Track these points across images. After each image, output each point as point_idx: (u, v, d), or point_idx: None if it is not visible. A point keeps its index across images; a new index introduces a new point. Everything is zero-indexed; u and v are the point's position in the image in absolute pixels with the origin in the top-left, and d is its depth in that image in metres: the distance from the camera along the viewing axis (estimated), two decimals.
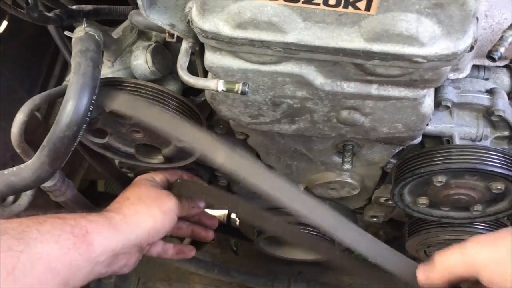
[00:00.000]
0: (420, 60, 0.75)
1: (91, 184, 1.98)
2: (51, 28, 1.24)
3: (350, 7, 0.71)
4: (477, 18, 0.79)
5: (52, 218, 0.87)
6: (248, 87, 0.82)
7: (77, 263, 0.85)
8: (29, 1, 1.01)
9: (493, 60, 0.71)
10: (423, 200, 1.15)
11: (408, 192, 1.14)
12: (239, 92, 0.82)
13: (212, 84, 0.82)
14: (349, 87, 0.85)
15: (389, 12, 0.70)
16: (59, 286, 0.82)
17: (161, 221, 1.02)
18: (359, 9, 0.71)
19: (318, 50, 0.76)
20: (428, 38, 0.72)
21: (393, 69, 0.79)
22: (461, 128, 1.10)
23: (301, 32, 0.75)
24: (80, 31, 0.96)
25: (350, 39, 0.75)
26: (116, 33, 1.10)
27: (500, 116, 1.05)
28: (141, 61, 1.01)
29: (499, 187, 1.05)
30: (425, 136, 1.11)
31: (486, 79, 1.13)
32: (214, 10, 0.74)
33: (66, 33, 0.99)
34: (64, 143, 0.90)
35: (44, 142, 0.91)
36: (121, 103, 0.95)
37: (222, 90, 0.82)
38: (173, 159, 1.14)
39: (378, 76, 0.82)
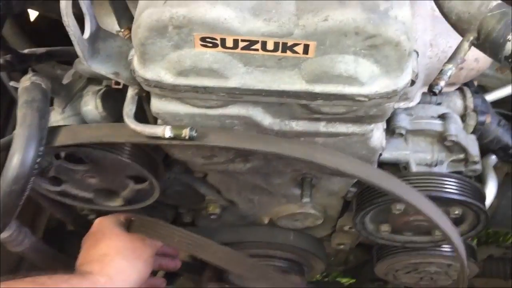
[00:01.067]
0: (362, 99, 0.75)
1: (60, 223, 1.94)
2: (3, 75, 1.23)
3: (288, 51, 0.71)
4: (417, 53, 0.80)
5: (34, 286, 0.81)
6: (195, 132, 0.82)
7: None
8: None
9: (435, 94, 0.72)
10: (385, 227, 1.15)
11: (370, 220, 1.15)
12: (187, 137, 0.81)
13: (159, 131, 0.82)
14: (298, 125, 0.86)
15: (326, 55, 0.71)
16: None
17: (144, 271, 0.99)
18: (297, 52, 0.71)
19: (261, 93, 0.76)
20: (368, 77, 0.73)
21: (337, 108, 0.79)
22: (417, 154, 1.11)
23: (243, 76, 0.75)
24: (26, 81, 0.95)
25: (292, 82, 0.75)
26: (67, 77, 1.09)
27: (453, 140, 1.07)
28: (91, 106, 1.00)
29: (456, 212, 1.06)
30: (383, 163, 1.12)
31: (439, 104, 1.15)
32: (155, 59, 0.74)
33: (11, 83, 0.97)
34: (12, 198, 0.88)
35: None
36: (63, 135, 0.92)
37: (170, 136, 0.82)
38: (132, 201, 1.13)
39: (324, 114, 0.82)
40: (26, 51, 1.17)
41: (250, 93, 0.76)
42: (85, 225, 1.28)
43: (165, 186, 1.19)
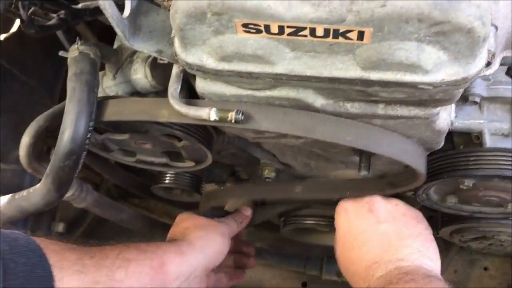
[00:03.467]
0: (425, 87, 0.66)
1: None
2: (59, 34, 1.21)
3: (340, 37, 0.63)
4: (496, 27, 0.69)
5: (136, 253, 0.88)
6: (242, 115, 0.77)
7: None
8: (23, 19, 0.98)
9: None
10: (451, 198, 1.07)
11: (435, 191, 1.07)
12: (233, 121, 0.77)
13: (204, 114, 0.78)
14: (353, 107, 0.78)
15: (385, 41, 0.62)
16: None
17: (221, 242, 1.04)
18: (350, 39, 0.63)
19: (311, 80, 0.69)
20: (433, 65, 0.64)
21: (397, 93, 0.71)
22: (492, 123, 1.00)
23: (290, 62, 0.68)
24: (75, 51, 0.93)
25: (345, 68, 0.67)
26: (118, 40, 1.06)
27: None
28: (141, 75, 0.97)
29: None
30: (453, 132, 1.03)
31: None
32: (195, 43, 0.69)
33: (60, 53, 0.96)
34: (65, 172, 0.89)
35: (48, 170, 0.91)
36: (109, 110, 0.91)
37: (215, 119, 0.77)
38: (199, 161, 1.11)
39: (382, 98, 0.74)
40: (79, 5, 1.15)
41: (298, 79, 0.70)
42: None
43: (220, 148, 1.17)
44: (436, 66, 0.64)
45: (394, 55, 0.63)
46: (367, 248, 0.93)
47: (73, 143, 0.87)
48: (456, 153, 0.96)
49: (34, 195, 0.94)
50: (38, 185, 0.94)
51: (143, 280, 0.86)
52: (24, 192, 0.96)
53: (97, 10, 1.12)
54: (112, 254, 0.85)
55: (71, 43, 1.24)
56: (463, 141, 1.06)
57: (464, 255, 1.66)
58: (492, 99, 0.99)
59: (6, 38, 1.42)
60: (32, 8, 1.00)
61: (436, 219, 1.30)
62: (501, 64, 0.96)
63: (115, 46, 1.04)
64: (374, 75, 0.66)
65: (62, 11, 1.10)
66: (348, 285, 1.63)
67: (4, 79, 1.33)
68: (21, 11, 0.96)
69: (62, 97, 1.56)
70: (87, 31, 1.29)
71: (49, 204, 0.95)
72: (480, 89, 0.97)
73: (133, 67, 0.98)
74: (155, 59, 0.98)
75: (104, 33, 1.18)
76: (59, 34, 1.22)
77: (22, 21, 0.98)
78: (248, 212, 1.19)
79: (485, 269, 1.65)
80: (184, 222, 1.07)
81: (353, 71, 0.67)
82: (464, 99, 0.98)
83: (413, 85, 0.66)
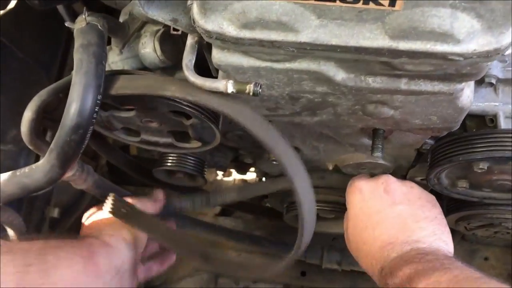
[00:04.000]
0: (456, 58, 0.64)
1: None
2: (60, 8, 1.17)
3: (371, 2, 0.60)
4: None
5: (63, 243, 0.87)
6: (260, 87, 0.74)
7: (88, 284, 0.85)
8: None
9: None
10: (462, 183, 1.05)
11: (446, 176, 1.05)
12: (251, 93, 0.74)
13: (221, 86, 0.75)
14: (375, 82, 0.76)
15: (418, 8, 0.60)
16: None
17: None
18: (382, 5, 0.60)
19: (336, 49, 0.66)
20: (465, 34, 0.61)
21: (424, 66, 0.69)
22: (507, 106, 0.99)
23: (315, 30, 0.65)
24: (82, 22, 0.89)
25: (373, 37, 0.64)
26: (124, 13, 1.02)
27: None
28: (149, 49, 0.94)
29: None
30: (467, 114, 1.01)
31: None
32: (217, 9, 0.65)
33: (67, 24, 0.92)
34: (71, 146, 0.85)
35: (52, 145, 0.87)
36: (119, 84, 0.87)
37: (232, 92, 0.74)
38: (205, 142, 1.07)
39: (407, 71, 0.71)
40: None
41: (323, 49, 0.67)
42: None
43: (226, 129, 1.14)
44: (469, 36, 0.62)
45: (426, 22, 0.61)
46: (382, 229, 0.91)
47: (80, 117, 0.83)
48: (473, 135, 0.94)
49: (37, 171, 0.91)
50: (41, 161, 0.90)
51: (76, 267, 0.84)
52: (26, 169, 0.92)
53: None
54: (38, 242, 0.83)
55: (71, 19, 1.21)
56: (475, 125, 1.04)
57: (464, 245, 1.65)
58: (507, 81, 0.97)
59: (2, 15, 1.37)
60: None
61: (442, 206, 1.29)
62: None
63: (121, 20, 1.00)
64: (403, 45, 0.64)
65: None
66: (347, 273, 1.62)
67: (4, 57, 1.29)
68: None
69: (59, 76, 1.53)
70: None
71: (52, 181, 0.91)
72: (496, 70, 0.96)
73: (141, 41, 0.95)
74: (164, 33, 0.95)
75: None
76: (60, 8, 1.18)
77: None
78: (160, 195, 1.13)
79: (486, 259, 1.65)
80: (93, 221, 1.02)
81: (381, 40, 0.64)
82: (480, 80, 0.96)
83: (443, 56, 0.64)
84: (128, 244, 0.95)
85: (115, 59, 0.99)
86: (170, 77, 0.85)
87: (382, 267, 0.85)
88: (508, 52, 0.88)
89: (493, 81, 0.95)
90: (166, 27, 0.95)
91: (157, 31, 0.94)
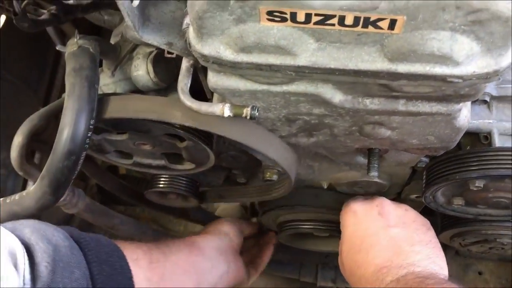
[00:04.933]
0: (455, 80, 0.64)
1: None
2: (49, 30, 1.16)
3: (370, 26, 0.60)
4: None
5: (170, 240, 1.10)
6: (257, 111, 0.73)
7: (199, 265, 1.08)
8: (17, 12, 0.92)
9: None
10: (458, 201, 1.05)
11: (442, 193, 1.05)
12: (248, 117, 0.73)
13: (218, 110, 0.74)
14: (373, 103, 0.75)
15: (417, 31, 0.59)
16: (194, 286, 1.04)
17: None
18: (381, 28, 0.60)
19: (335, 73, 0.66)
20: (465, 56, 0.61)
21: (423, 88, 0.68)
22: (501, 123, 0.99)
23: (314, 53, 0.65)
24: (73, 45, 0.88)
25: (372, 60, 0.64)
26: (115, 35, 1.01)
27: None
28: (142, 71, 0.92)
29: None
30: None
31: None
32: (214, 33, 0.64)
33: (58, 47, 0.90)
34: (64, 173, 0.84)
35: (44, 172, 0.85)
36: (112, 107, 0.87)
37: (229, 115, 0.73)
38: (198, 163, 1.06)
39: (405, 93, 0.71)
40: (71, 1, 1.09)
41: (322, 72, 0.66)
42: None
43: (220, 150, 1.13)
44: (468, 58, 0.62)
45: (426, 45, 0.60)
46: (376, 252, 0.90)
47: (72, 143, 0.81)
48: (468, 152, 0.94)
49: (27, 198, 0.88)
50: (32, 188, 0.88)
51: (184, 251, 1.06)
52: (16, 196, 0.90)
53: (89, 7, 1.07)
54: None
55: (61, 40, 1.19)
56: (469, 142, 1.04)
57: (458, 259, 1.65)
58: (501, 98, 0.98)
59: None
60: (26, 1, 0.94)
61: (435, 223, 1.28)
62: None
63: (112, 42, 0.99)
64: (402, 67, 0.64)
65: (53, 7, 1.05)
66: None
67: None
68: (15, 3, 0.91)
69: (47, 97, 1.51)
70: (74, 31, 1.24)
71: (43, 208, 0.89)
72: (490, 88, 0.96)
73: (134, 63, 0.93)
74: (157, 55, 0.94)
75: (90, 34, 1.14)
76: (50, 30, 1.16)
77: (15, 14, 0.92)
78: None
79: (480, 273, 1.64)
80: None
81: (380, 63, 0.64)
82: None
83: (442, 78, 0.64)
84: (225, 234, 1.19)
85: (107, 82, 0.98)
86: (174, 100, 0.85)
87: None
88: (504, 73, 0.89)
89: (487, 98, 0.96)
90: (160, 49, 0.95)
91: (150, 53, 0.93)
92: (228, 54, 0.66)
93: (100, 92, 0.99)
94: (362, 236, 0.94)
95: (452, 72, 0.63)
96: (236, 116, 0.73)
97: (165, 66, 0.94)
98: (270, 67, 0.67)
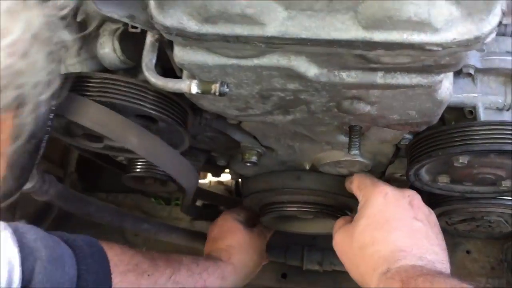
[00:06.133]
0: (434, 48, 0.60)
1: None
2: None
3: None
4: None
5: (186, 275, 1.07)
6: (227, 87, 0.69)
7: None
8: None
9: None
10: (443, 178, 1.02)
11: (426, 171, 1.02)
12: (217, 93, 0.68)
13: (185, 86, 0.69)
14: (349, 76, 0.71)
15: None
16: None
17: (259, 261, 1.31)
18: None
19: (306, 43, 0.62)
20: (444, 22, 0.57)
21: (401, 58, 0.64)
22: (486, 97, 0.95)
23: (283, 23, 0.60)
24: None
25: (345, 28, 0.60)
26: (81, 13, 0.95)
27: None
28: (109, 49, 0.87)
29: None
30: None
31: None
32: (175, 3, 0.60)
33: None
34: (25, 157, 0.79)
35: None
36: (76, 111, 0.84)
37: (197, 92, 0.69)
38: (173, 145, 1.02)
39: (383, 64, 0.67)
40: None
41: (292, 43, 0.62)
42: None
43: (196, 131, 1.08)
44: (447, 23, 0.57)
45: (402, 10, 0.56)
46: (398, 235, 0.91)
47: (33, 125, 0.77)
48: (451, 128, 0.91)
49: None
50: None
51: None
52: None
53: None
54: (165, 276, 1.02)
55: None
56: (454, 117, 1.00)
57: (446, 239, 1.61)
58: (486, 71, 0.94)
59: None
60: None
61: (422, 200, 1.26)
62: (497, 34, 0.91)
63: (78, 19, 0.93)
64: (378, 36, 0.59)
65: None
66: (329, 273, 1.59)
67: None
68: None
69: None
70: None
71: (6, 195, 0.84)
72: (474, 60, 0.92)
73: (100, 41, 0.88)
74: (124, 31, 0.88)
75: None
76: None
77: None
78: None
79: (468, 252, 1.62)
80: (229, 235, 1.25)
81: (354, 32, 0.60)
82: (458, 71, 0.92)
83: (421, 46, 0.60)
84: (244, 276, 1.23)
85: (72, 61, 0.92)
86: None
87: (388, 268, 0.85)
88: (487, 40, 0.85)
89: (471, 71, 0.92)
90: (126, 25, 0.89)
91: (116, 29, 0.88)
92: (192, 25, 0.62)
93: (66, 71, 0.94)
94: (387, 217, 0.94)
95: (431, 40, 0.59)
96: (205, 93, 0.69)
97: (133, 43, 0.89)
98: (238, 39, 0.62)
